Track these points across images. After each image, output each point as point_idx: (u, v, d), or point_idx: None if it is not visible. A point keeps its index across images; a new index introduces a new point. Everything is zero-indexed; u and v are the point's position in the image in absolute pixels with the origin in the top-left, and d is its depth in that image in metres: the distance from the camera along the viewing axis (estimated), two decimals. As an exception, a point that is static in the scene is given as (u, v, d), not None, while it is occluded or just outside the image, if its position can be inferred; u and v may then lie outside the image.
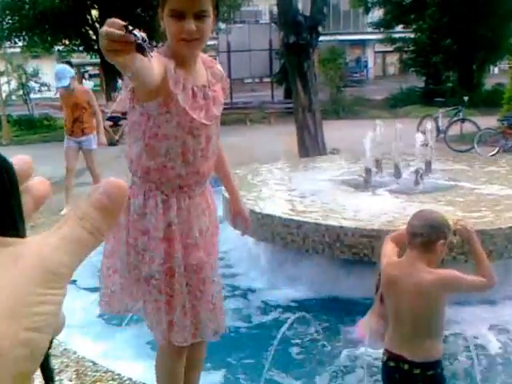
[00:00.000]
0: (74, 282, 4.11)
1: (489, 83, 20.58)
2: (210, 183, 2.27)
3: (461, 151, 10.63)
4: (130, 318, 3.42)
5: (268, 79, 22.43)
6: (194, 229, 2.12)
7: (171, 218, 2.07)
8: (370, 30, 27.44)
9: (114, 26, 1.42)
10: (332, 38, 20.54)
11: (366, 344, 2.93)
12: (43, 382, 0.41)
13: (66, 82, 6.39)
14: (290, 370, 3.07)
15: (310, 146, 7.81)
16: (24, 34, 16.87)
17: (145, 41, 1.47)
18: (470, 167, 5.39)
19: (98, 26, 16.94)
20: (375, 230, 3.38)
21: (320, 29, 7.95)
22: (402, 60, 24.45)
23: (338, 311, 3.63)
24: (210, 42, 21.65)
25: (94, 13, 17.14)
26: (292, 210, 3.98)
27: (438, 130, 11.63)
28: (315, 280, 3.81)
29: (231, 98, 16.65)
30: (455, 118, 12.20)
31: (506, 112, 12.10)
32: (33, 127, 17.09)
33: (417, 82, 22.05)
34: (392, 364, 2.31)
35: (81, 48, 18.38)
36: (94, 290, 3.97)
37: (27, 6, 15.62)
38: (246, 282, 4.12)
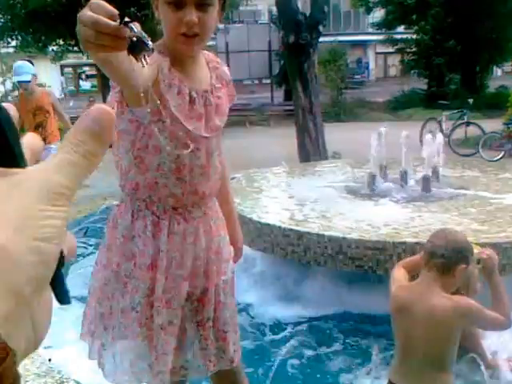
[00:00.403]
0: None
1: (492, 85, 20.44)
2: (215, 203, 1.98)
3: (465, 155, 10.43)
4: None
5: (267, 81, 22.27)
6: (187, 258, 1.82)
7: (160, 244, 1.77)
8: (371, 30, 27.28)
9: (102, 13, 1.06)
10: (332, 38, 20.31)
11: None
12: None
13: (27, 77, 5.61)
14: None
15: (311, 150, 7.60)
16: (16, 33, 16.66)
17: (142, 40, 1.06)
18: (481, 173, 5.16)
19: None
20: (380, 241, 3.18)
21: (321, 28, 7.74)
22: (404, 61, 24.23)
23: (342, 329, 3.41)
24: (208, 43, 21.30)
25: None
26: (292, 219, 3.77)
27: (442, 134, 11.44)
28: (317, 294, 3.61)
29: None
30: (460, 122, 11.99)
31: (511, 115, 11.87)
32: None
33: (419, 83, 21.88)
34: None
35: (76, 48, 18.19)
36: (83, 300, 3.77)
37: (18, 5, 15.41)
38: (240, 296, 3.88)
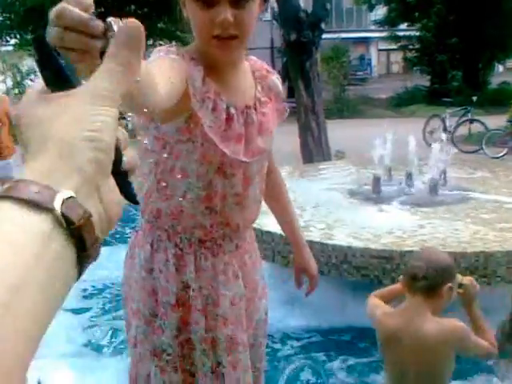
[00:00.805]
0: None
1: (494, 82, 20.38)
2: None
3: (469, 152, 10.38)
4: (118, 350, 3.11)
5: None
6: (223, 297, 1.57)
7: (187, 280, 1.54)
8: (373, 27, 27.17)
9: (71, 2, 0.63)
10: (335, 35, 20.22)
11: None
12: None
13: None
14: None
15: (314, 150, 7.52)
16: (15, 31, 16.58)
17: None
18: (490, 173, 5.02)
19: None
20: (387, 250, 3.06)
21: (323, 26, 7.64)
22: (407, 58, 24.15)
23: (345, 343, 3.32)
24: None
25: (87, 9, 16.86)
26: None
27: (446, 131, 11.37)
28: (321, 305, 3.51)
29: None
30: (463, 119, 11.91)
31: (515, 112, 11.78)
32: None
33: (421, 80, 21.78)
34: None
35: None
36: (77, 312, 3.70)
37: (17, 3, 15.33)
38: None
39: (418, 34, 20.84)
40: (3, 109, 5.21)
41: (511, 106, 12.27)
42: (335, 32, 23.10)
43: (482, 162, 6.26)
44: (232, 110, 1.46)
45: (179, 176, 1.47)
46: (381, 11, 23.69)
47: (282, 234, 3.35)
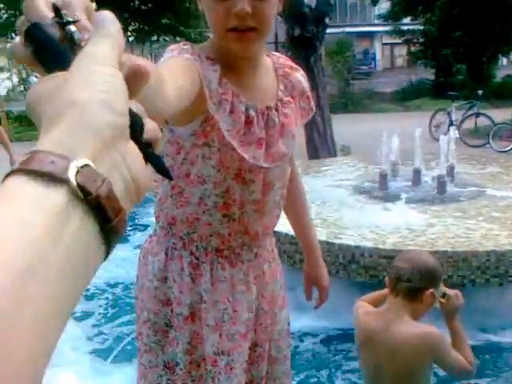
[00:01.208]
0: None
1: (498, 75, 20.32)
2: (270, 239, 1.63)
3: (475, 146, 10.31)
4: (123, 356, 3.05)
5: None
6: (241, 311, 1.48)
7: (202, 292, 1.46)
8: (377, 21, 27.09)
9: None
10: (339, 30, 20.16)
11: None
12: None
13: None
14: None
15: (319, 145, 7.46)
16: (20, 27, 16.63)
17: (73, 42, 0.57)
18: (502, 169, 4.92)
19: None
20: (396, 250, 2.97)
21: (327, 21, 7.57)
22: (411, 52, 24.07)
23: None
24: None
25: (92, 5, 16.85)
26: None
27: (452, 125, 11.29)
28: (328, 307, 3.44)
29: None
30: (469, 113, 11.83)
31: (521, 105, 11.70)
32: (33, 124, 16.83)
33: (426, 74, 21.69)
34: None
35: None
36: (82, 318, 3.65)
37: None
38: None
39: (421, 28, 20.80)
40: None
41: (517, 100, 12.21)
42: (339, 26, 23.03)
43: (492, 157, 6.16)
44: (252, 112, 1.35)
45: (195, 182, 1.39)
46: (384, 5, 23.64)
47: (288, 233, 3.33)
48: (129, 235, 5.15)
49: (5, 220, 0.36)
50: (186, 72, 1.14)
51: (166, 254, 1.48)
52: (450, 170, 4.31)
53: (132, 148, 0.44)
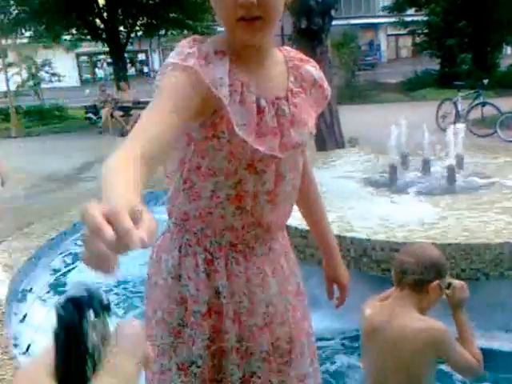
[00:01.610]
0: None
1: (502, 64, 20.23)
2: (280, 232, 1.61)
3: (482, 136, 10.27)
4: None
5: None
6: (258, 304, 1.49)
7: (218, 286, 1.45)
8: (381, 13, 26.98)
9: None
10: (344, 22, 20.11)
11: None
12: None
13: None
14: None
15: (327, 137, 7.45)
16: (30, 23, 16.59)
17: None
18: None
19: (105, 14, 16.62)
20: (408, 243, 2.91)
21: (333, 13, 7.54)
22: (416, 43, 23.99)
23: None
24: (221, 29, 21.04)
25: (101, 0, 16.79)
26: None
27: (458, 115, 11.25)
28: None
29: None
30: (476, 102, 11.77)
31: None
32: (43, 118, 16.92)
33: (431, 64, 21.62)
34: None
35: (88, 37, 18.11)
36: None
37: (32, -5, 15.30)
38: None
39: (426, 18, 20.74)
40: None
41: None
42: (344, 18, 22.95)
43: (500, 146, 6.11)
44: (263, 102, 1.36)
45: (206, 175, 1.38)
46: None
47: (298, 227, 3.32)
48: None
49: None
50: (180, 100, 1.22)
51: (180, 251, 1.47)
52: (460, 160, 4.28)
53: None
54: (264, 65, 1.41)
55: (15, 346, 3.14)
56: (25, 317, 3.68)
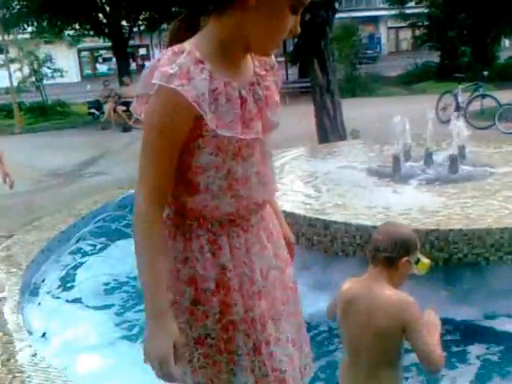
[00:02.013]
0: (83, 301, 3.85)
1: (501, 57, 20.29)
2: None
3: (482, 128, 10.34)
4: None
5: (282, 58, 22.03)
6: (256, 271, 1.60)
7: (224, 262, 1.55)
8: (382, 5, 26.97)
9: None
10: (345, 15, 20.12)
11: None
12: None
13: None
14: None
15: (329, 129, 7.54)
16: (33, 19, 16.59)
17: None
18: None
19: (107, 8, 16.60)
20: (412, 229, 3.05)
21: (336, 5, 7.62)
22: (416, 36, 23.99)
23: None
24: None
25: (103, -5, 16.79)
26: (317, 207, 3.64)
27: (458, 107, 11.32)
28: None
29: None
30: (476, 94, 11.85)
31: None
32: (45, 114, 16.97)
33: (430, 57, 21.66)
34: None
35: (91, 32, 18.12)
36: (103, 308, 3.75)
37: (35, -10, 15.26)
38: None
39: (426, 11, 20.75)
40: None
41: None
42: (345, 11, 22.94)
43: (500, 138, 6.17)
44: (244, 92, 1.49)
45: (197, 172, 1.48)
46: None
47: (306, 215, 3.42)
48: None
49: None
50: (176, 140, 1.43)
51: (184, 236, 1.56)
52: (462, 150, 4.37)
53: None
54: (239, 58, 1.52)
55: (30, 333, 3.20)
56: (39, 304, 3.76)
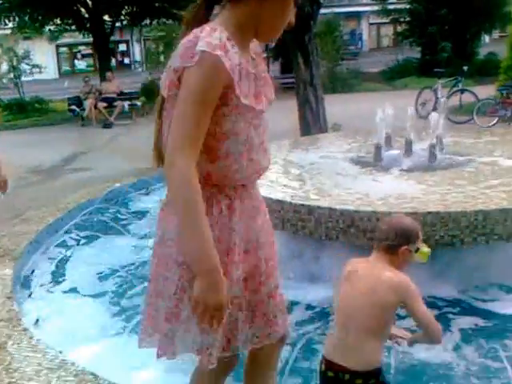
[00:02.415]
0: (74, 291, 3.92)
1: (481, 53, 20.56)
2: None
3: (460, 122, 10.54)
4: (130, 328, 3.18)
5: (264, 54, 22.18)
6: (252, 233, 1.83)
7: (233, 224, 1.76)
8: (364, 1, 27.15)
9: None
10: (328, 10, 20.24)
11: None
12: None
13: None
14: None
15: (312, 123, 7.66)
16: (14, 14, 16.43)
17: None
18: (490, 140, 5.15)
19: (89, 3, 16.49)
20: (392, 213, 3.16)
21: (321, 0, 7.72)
22: (397, 31, 24.22)
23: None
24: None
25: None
26: (301, 194, 3.77)
27: (437, 102, 11.51)
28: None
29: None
30: (455, 89, 12.07)
31: (505, 81, 11.96)
32: (24, 111, 16.72)
33: (411, 53, 21.90)
34: (331, 374, 2.19)
35: (73, 27, 17.98)
36: (94, 296, 3.84)
37: (16, -14, 15.12)
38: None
39: (408, 6, 20.97)
40: None
41: (499, 76, 12.46)
42: (327, 7, 23.06)
43: (477, 131, 6.35)
44: (254, 70, 1.73)
45: (221, 139, 1.66)
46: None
47: (292, 202, 3.53)
48: (126, 222, 5.36)
49: None
50: (211, 101, 1.60)
51: (207, 202, 1.68)
52: (440, 140, 4.53)
53: None
54: (249, 42, 1.77)
55: (22, 320, 3.26)
56: (30, 295, 3.83)
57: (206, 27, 1.62)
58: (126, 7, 17.49)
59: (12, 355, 2.73)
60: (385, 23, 29.48)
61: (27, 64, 19.20)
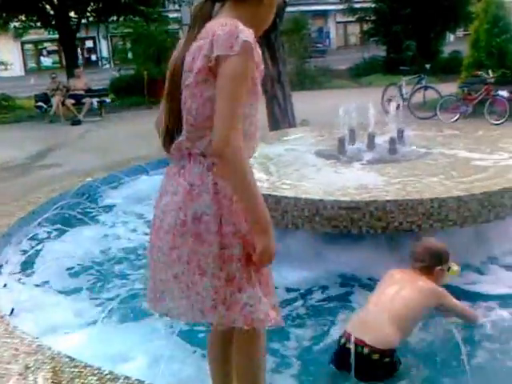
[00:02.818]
0: (47, 282, 3.99)
1: (445, 51, 21.01)
2: None
3: (424, 118, 10.86)
4: (119, 318, 3.31)
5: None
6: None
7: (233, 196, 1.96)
8: (330, 0, 27.44)
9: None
10: (295, 8, 20.42)
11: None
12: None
13: None
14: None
15: (280, 118, 7.78)
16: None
17: None
18: (449, 134, 5.38)
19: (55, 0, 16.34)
20: (354, 201, 3.37)
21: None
22: (364, 30, 24.57)
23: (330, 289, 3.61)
24: (173, 15, 21.23)
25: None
26: (268, 185, 3.89)
27: (402, 98, 11.82)
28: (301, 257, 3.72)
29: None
30: (418, 86, 12.40)
31: (466, 78, 12.33)
32: (2, 109, 16.43)
33: (378, 51, 22.25)
34: (350, 346, 2.45)
35: (38, 24, 17.77)
36: (67, 287, 3.88)
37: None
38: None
39: (373, 5, 21.34)
40: None
41: (462, 73, 12.83)
42: (295, 5, 23.25)
43: (438, 125, 6.57)
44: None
45: (245, 120, 1.84)
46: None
47: (271, 193, 3.65)
48: (97, 216, 5.44)
49: None
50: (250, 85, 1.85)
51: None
52: (400, 133, 4.73)
53: None
54: None
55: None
56: (5, 285, 3.91)
57: (234, 21, 1.80)
58: (92, 4, 17.34)
59: (-9, 342, 2.79)
60: (351, 22, 29.83)
61: (2, 63, 18.89)
